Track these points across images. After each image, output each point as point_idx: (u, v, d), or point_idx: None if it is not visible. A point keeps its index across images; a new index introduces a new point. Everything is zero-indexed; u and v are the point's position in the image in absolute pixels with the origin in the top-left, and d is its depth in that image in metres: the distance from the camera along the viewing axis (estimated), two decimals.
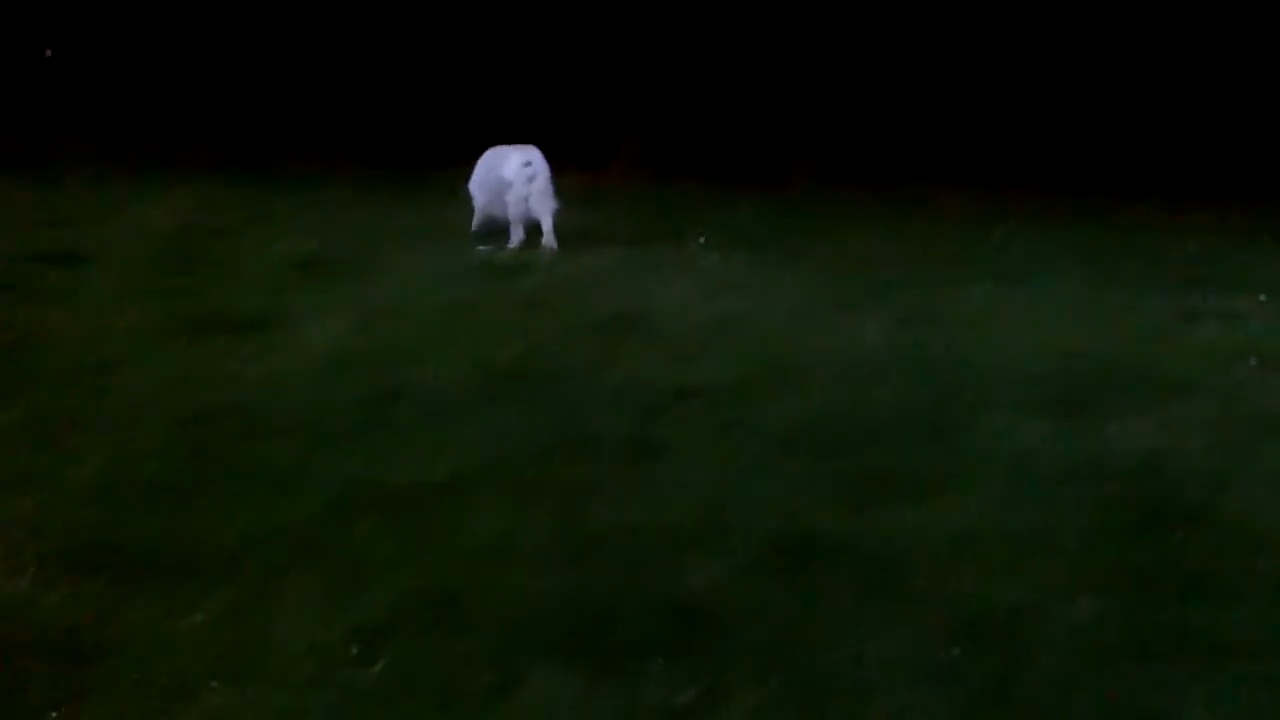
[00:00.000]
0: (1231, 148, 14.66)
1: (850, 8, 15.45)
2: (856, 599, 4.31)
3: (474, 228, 10.66)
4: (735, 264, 10.15)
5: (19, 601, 4.07)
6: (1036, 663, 3.92)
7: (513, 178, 10.21)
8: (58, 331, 7.25)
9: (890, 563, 4.59)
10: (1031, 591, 4.37)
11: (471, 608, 4.12)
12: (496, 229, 10.55)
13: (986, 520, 4.95)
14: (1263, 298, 9.15)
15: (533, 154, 10.35)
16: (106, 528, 4.64)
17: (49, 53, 17.48)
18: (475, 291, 8.88)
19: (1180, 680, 3.82)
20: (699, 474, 5.45)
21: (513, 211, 10.30)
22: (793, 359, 7.14)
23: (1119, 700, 3.73)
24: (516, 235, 10.35)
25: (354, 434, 5.78)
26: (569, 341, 7.52)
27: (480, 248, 10.34)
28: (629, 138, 15.83)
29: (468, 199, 10.80)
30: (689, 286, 9.18)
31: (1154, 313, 8.70)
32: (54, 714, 3.45)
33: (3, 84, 16.80)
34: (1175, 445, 5.86)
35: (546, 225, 10.28)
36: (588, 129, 15.40)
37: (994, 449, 5.79)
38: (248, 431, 5.75)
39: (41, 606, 4.04)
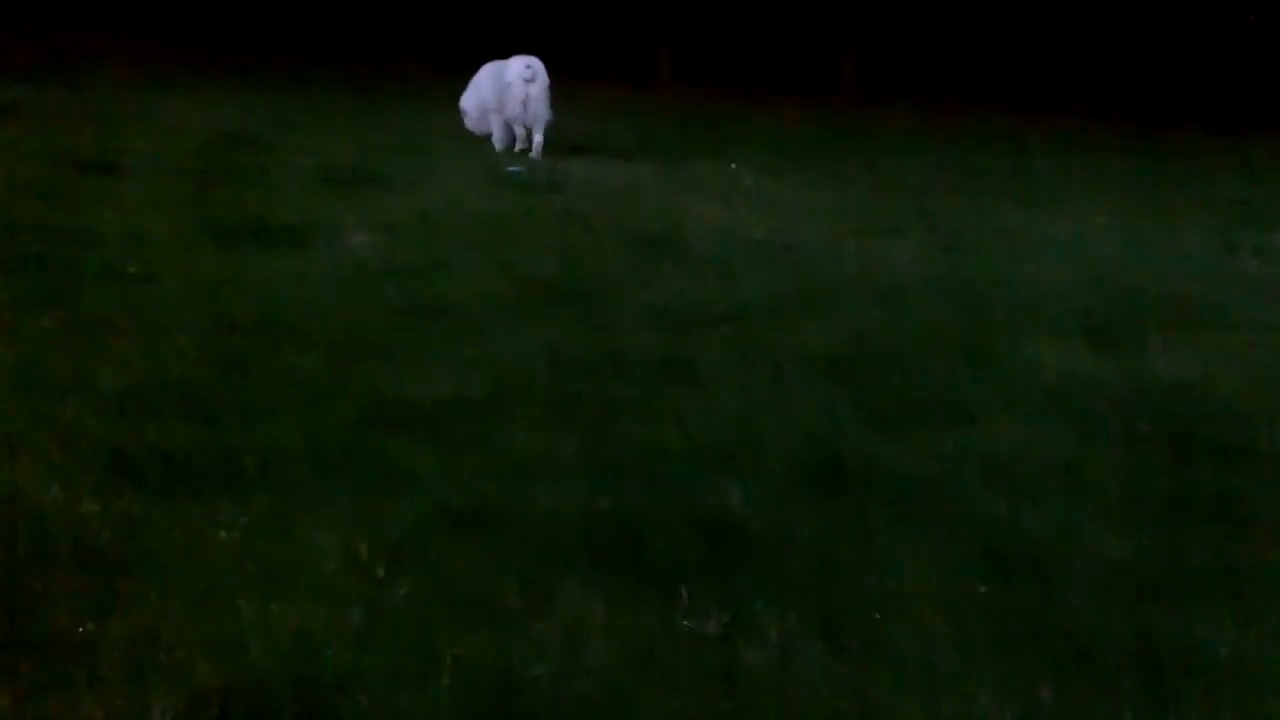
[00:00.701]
0: (1275, 80, 14.44)
1: None
2: (887, 525, 4.29)
3: (474, 129, 10.96)
4: (772, 184, 10.08)
5: (55, 509, 4.07)
6: (1068, 594, 3.90)
7: (512, 79, 10.51)
8: (94, 238, 7.22)
9: (922, 489, 4.57)
10: (1064, 521, 4.35)
11: (501, 524, 4.12)
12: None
13: (1021, 448, 4.92)
14: None
15: (534, 61, 10.60)
16: (140, 436, 4.64)
17: None
18: (510, 205, 8.84)
19: (1215, 613, 3.80)
20: (731, 396, 5.43)
21: (509, 112, 10.59)
22: (828, 282, 7.10)
23: (1151, 632, 3.71)
24: (500, 136, 10.70)
25: (386, 347, 5.76)
26: (603, 259, 7.48)
27: (510, 168, 10.29)
28: (665, 50, 15.68)
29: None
30: (725, 207, 9.13)
31: (1192, 243, 8.61)
32: (91, 623, 3.46)
33: None
34: (1210, 377, 5.81)
35: (538, 135, 10.57)
36: (628, 42, 15.26)
37: (1029, 376, 5.75)
38: (280, 342, 5.73)
39: (76, 515, 4.04)
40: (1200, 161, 12.02)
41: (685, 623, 3.63)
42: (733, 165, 10.93)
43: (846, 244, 8.08)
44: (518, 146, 10.76)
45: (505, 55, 11.10)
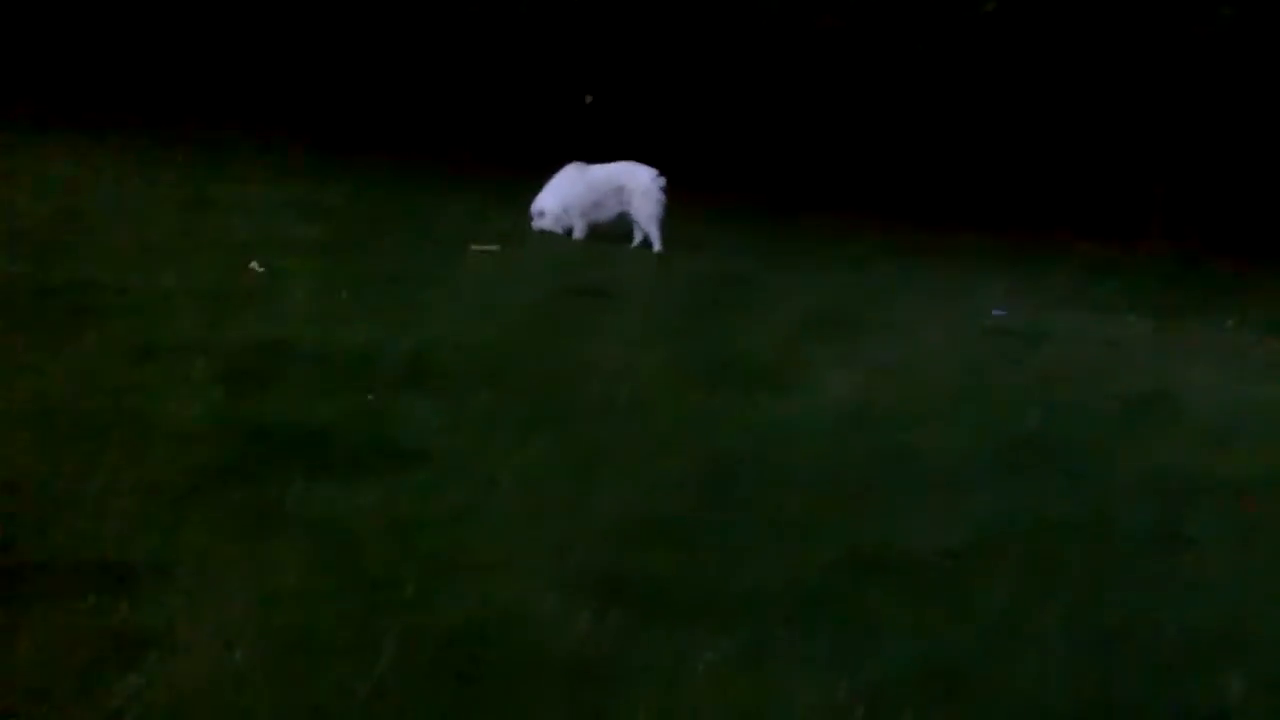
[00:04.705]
0: None
1: None
2: None
3: (553, 228, 11.90)
4: (1270, 347, 9.53)
5: (547, 620, 4.27)
6: None
7: (650, 186, 11.88)
8: (589, 363, 7.60)
9: None
10: None
11: (982, 686, 4.01)
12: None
13: None
14: None
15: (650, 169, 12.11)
16: (631, 561, 4.81)
17: (589, 98, 18.44)
18: (989, 356, 8.71)
19: None
20: (1229, 574, 5.13)
21: (647, 213, 11.89)
22: None
23: None
24: (583, 230, 11.99)
25: (866, 492, 5.76)
26: (1088, 417, 7.25)
27: (995, 311, 10.18)
28: (1158, 209, 15.20)
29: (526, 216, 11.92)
30: (1219, 368, 8.70)
31: None
32: None
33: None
34: None
35: (656, 233, 11.93)
36: (1119, 198, 14.91)
37: None
38: (763, 479, 5.83)
39: (567, 628, 4.23)
40: None
41: None
42: (1229, 323, 10.42)
43: None
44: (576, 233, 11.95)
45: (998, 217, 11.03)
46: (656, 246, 11.94)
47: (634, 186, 12.00)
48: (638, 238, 12.07)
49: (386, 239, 11.20)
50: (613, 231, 12.08)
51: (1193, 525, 5.63)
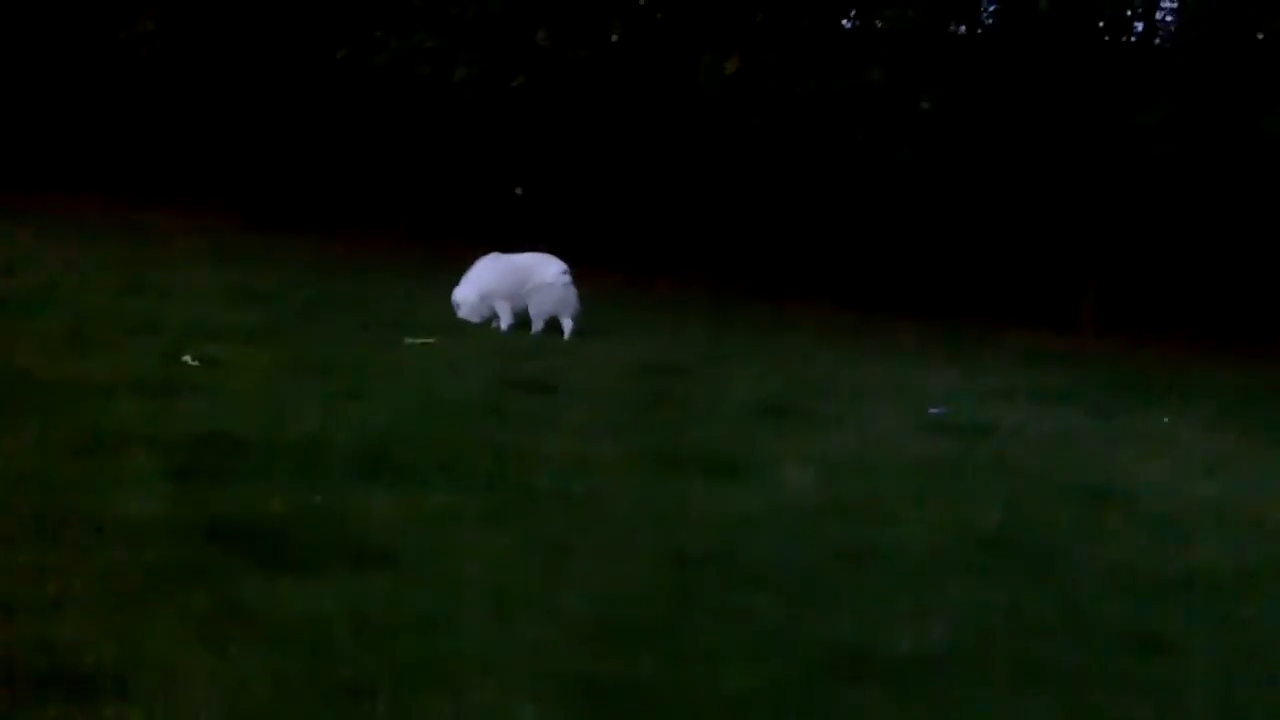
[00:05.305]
0: None
1: None
2: None
3: (504, 328, 11.94)
4: (1215, 440, 9.59)
5: None
6: None
7: (555, 279, 11.94)
8: (541, 456, 7.46)
9: None
10: None
11: None
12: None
13: None
14: None
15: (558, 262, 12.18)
16: (606, 665, 4.66)
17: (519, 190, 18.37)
18: (940, 450, 8.67)
19: None
20: (1207, 672, 5.06)
21: (546, 308, 11.97)
22: None
23: None
24: (509, 321, 12.04)
25: (835, 591, 5.66)
26: (1047, 512, 7.22)
27: (932, 409, 10.15)
28: (1089, 299, 15.37)
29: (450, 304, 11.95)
30: (1166, 462, 8.73)
31: None
32: None
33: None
34: None
35: (570, 322, 11.97)
36: (1050, 286, 15.07)
37: None
38: (732, 578, 5.71)
39: None
40: None
41: None
42: (1165, 420, 10.47)
43: None
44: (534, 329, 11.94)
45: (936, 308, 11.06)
46: (566, 333, 11.95)
47: (538, 279, 12.03)
48: (535, 328, 12.03)
49: (321, 326, 11.03)
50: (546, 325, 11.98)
51: (1167, 624, 5.58)
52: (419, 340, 10.72)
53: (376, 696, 4.15)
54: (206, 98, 17.44)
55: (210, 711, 3.97)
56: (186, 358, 8.71)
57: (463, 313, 12.06)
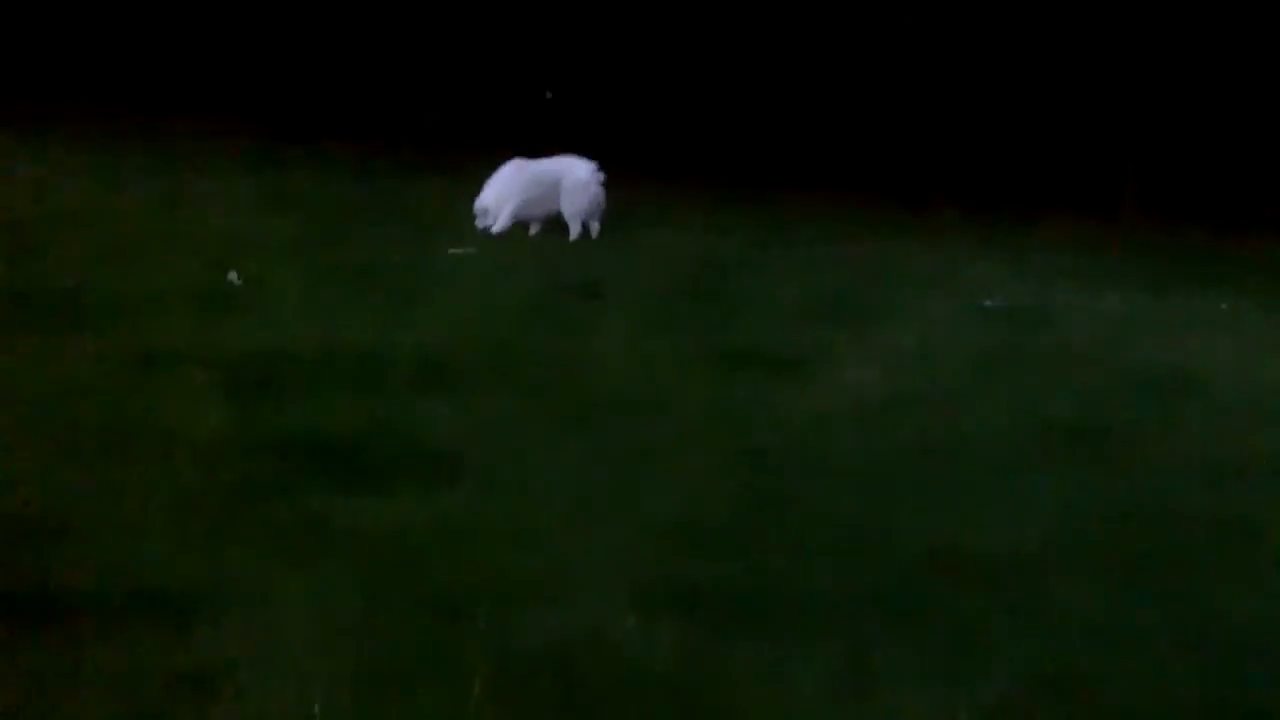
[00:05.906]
0: None
1: None
2: None
3: (498, 230, 11.29)
4: (1275, 324, 9.43)
5: (630, 640, 4.02)
6: None
7: (590, 179, 11.46)
8: (601, 360, 7.34)
9: None
10: None
11: (1104, 697, 3.80)
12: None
13: None
14: None
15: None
16: (695, 568, 4.57)
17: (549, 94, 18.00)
18: (1000, 338, 8.52)
19: None
20: None
21: (581, 210, 11.44)
22: None
23: None
24: (506, 226, 11.35)
25: (918, 488, 5.54)
26: (1119, 400, 7.08)
27: (988, 302, 9.97)
28: (1131, 180, 15.10)
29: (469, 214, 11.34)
30: (1231, 344, 8.56)
31: None
32: None
33: None
34: None
35: (596, 225, 11.52)
36: (1089, 167, 14.81)
37: None
38: (809, 475, 5.61)
39: (653, 647, 3.98)
40: None
41: None
42: (1223, 306, 10.28)
43: None
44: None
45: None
46: (594, 235, 11.57)
47: (569, 181, 11.62)
48: (574, 231, 11.56)
49: (363, 230, 10.87)
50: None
51: (1252, 507, 5.48)
52: (460, 250, 10.55)
53: (474, 610, 4.07)
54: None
55: (307, 630, 3.89)
56: (232, 275, 8.56)
57: (486, 223, 11.55)
